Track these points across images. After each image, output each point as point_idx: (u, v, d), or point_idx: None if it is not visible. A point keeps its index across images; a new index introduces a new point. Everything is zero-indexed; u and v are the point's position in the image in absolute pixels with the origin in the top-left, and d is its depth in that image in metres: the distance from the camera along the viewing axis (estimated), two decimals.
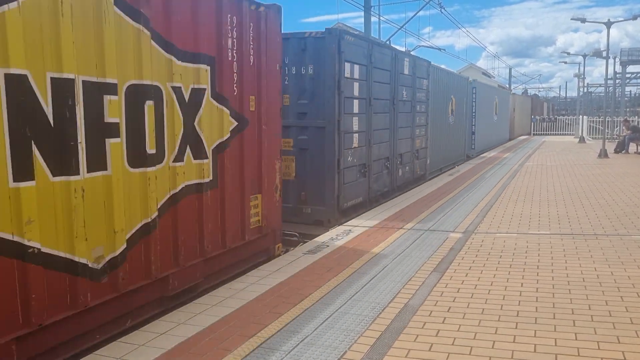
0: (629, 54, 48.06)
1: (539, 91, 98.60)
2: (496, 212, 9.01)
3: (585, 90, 57.67)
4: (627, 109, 59.10)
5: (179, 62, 5.02)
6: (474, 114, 21.89)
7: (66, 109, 3.90)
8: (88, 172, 4.11)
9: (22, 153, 3.61)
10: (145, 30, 4.57)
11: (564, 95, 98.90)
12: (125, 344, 4.04)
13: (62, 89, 3.85)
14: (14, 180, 3.56)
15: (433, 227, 7.87)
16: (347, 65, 8.94)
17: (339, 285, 5.26)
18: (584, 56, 41.70)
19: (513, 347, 3.84)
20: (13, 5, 3.51)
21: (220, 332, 4.19)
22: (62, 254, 3.94)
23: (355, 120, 9.47)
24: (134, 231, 4.60)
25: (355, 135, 9.48)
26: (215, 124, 5.60)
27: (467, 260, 6.10)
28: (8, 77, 3.48)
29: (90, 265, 4.16)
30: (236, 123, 5.96)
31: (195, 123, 5.30)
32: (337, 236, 7.38)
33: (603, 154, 19.34)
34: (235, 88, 5.91)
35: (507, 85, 61.68)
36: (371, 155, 10.23)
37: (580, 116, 35.47)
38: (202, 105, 5.37)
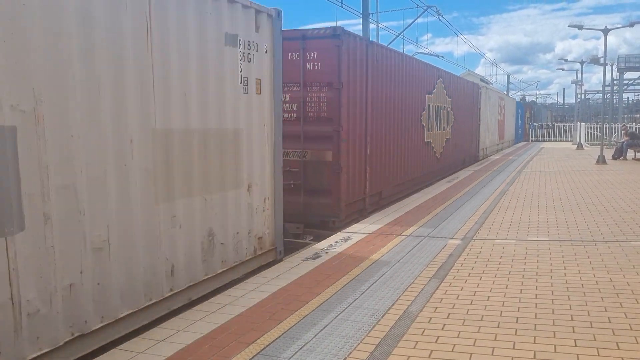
0: (626, 60, 48.27)
1: (537, 98, 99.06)
2: (495, 218, 9.02)
3: (583, 96, 57.88)
4: (625, 116, 59.30)
5: None
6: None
7: None
8: None
9: None
10: None
11: (562, 102, 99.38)
12: (124, 351, 4.03)
13: None
14: None
15: (432, 234, 7.87)
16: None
17: (339, 292, 5.26)
18: (582, 63, 41.87)
19: (513, 354, 3.84)
20: None
21: (219, 339, 4.18)
22: None
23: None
24: None
25: None
26: None
27: (466, 267, 6.10)
28: None
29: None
30: None
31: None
32: (336, 242, 7.38)
33: (601, 160, 19.39)
34: None
35: (505, 92, 61.85)
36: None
37: (578, 123, 35.59)
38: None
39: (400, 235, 7.81)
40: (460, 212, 9.58)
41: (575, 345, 3.94)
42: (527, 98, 75.76)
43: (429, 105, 14.33)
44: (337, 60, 8.93)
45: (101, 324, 4.23)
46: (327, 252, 6.83)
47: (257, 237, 6.39)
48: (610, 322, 4.38)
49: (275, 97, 6.66)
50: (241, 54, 5.90)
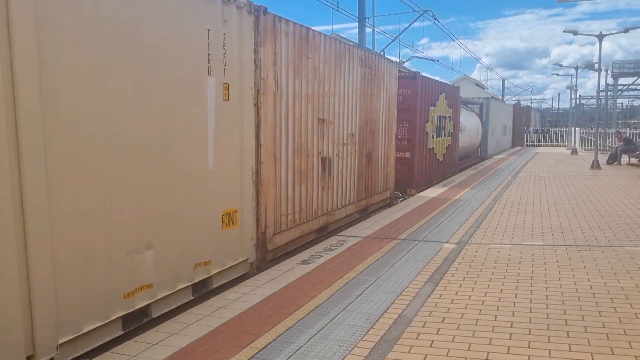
0: (621, 66, 48.43)
1: (532, 102, 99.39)
2: (490, 222, 9.03)
3: (578, 102, 58.14)
4: (619, 121, 59.59)
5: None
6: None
7: None
8: None
9: None
10: None
11: (557, 107, 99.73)
12: (117, 354, 4.00)
13: None
14: None
15: (427, 238, 7.87)
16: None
17: (333, 296, 5.25)
18: (577, 68, 42.07)
19: (507, 359, 3.83)
20: None
21: (213, 343, 4.16)
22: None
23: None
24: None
25: None
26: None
27: (461, 271, 6.10)
28: None
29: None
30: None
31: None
32: (331, 246, 7.37)
33: (595, 165, 19.47)
34: None
35: (500, 97, 62.08)
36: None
37: (573, 128, 35.73)
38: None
39: (395, 239, 7.81)
40: (457, 216, 9.59)
41: (570, 350, 3.94)
42: (522, 103, 75.99)
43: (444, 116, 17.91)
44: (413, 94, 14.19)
45: None
46: (321, 256, 6.81)
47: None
48: (604, 326, 4.39)
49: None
50: None
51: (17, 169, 3.64)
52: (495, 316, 4.67)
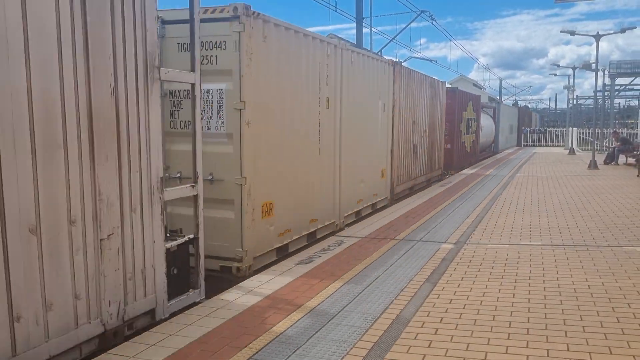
0: (618, 66, 48.49)
1: (529, 103, 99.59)
2: (488, 222, 9.04)
3: (575, 102, 58.20)
4: (616, 121, 59.68)
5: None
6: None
7: None
8: None
9: None
10: None
11: (554, 107, 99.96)
12: (114, 355, 3.99)
13: None
14: None
15: (425, 238, 7.88)
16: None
17: (331, 296, 5.24)
18: (574, 69, 42.09)
19: (505, 359, 3.83)
20: None
21: (211, 344, 4.15)
22: None
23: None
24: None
25: None
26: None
27: (459, 271, 6.10)
28: None
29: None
30: None
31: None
32: (329, 247, 7.37)
33: (593, 165, 19.50)
34: None
35: (497, 97, 62.13)
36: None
37: (570, 128, 35.79)
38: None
39: (393, 239, 7.81)
40: (455, 215, 9.60)
41: (568, 350, 3.95)
42: (519, 103, 76.12)
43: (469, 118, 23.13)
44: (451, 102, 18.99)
45: None
46: (320, 256, 6.81)
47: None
48: (602, 326, 4.39)
49: None
50: None
51: (339, 149, 9.41)
52: (494, 316, 4.67)
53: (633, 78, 50.56)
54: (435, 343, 4.12)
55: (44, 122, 3.60)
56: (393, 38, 26.34)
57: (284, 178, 7.50)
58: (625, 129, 42.01)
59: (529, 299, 5.09)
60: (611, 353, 3.88)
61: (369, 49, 22.88)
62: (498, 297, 5.17)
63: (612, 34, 24.70)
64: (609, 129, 34.66)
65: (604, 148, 28.41)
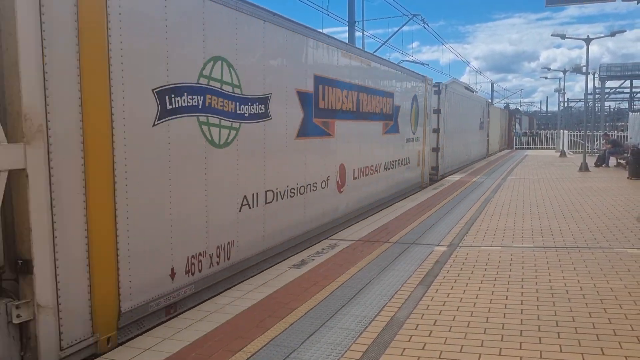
0: (608, 69, 49.00)
1: (520, 106, 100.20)
2: (480, 225, 9.08)
3: (566, 105, 58.63)
4: (607, 124, 60.18)
5: None
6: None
7: None
8: None
9: None
10: None
11: (545, 110, 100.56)
12: (108, 359, 3.98)
13: None
14: None
15: (418, 241, 7.90)
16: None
17: (325, 299, 5.25)
18: (565, 72, 42.46)
19: None
20: None
21: (206, 347, 4.15)
22: None
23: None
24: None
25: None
26: None
27: (453, 274, 6.13)
28: None
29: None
30: None
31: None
32: (322, 250, 7.37)
33: (584, 167, 19.63)
34: None
35: (490, 100, 62.49)
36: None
37: (561, 130, 36.05)
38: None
39: (386, 242, 7.83)
40: (448, 218, 9.64)
41: (561, 351, 3.98)
42: (510, 106, 76.56)
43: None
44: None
45: None
46: (313, 260, 6.82)
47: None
48: (594, 327, 4.43)
49: None
50: None
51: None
52: (487, 318, 4.70)
53: (623, 81, 51.04)
54: (429, 345, 4.14)
55: None
56: (385, 42, 26.46)
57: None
58: (616, 131, 42.33)
59: (521, 301, 5.13)
60: (603, 354, 3.91)
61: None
62: (491, 299, 5.20)
63: (602, 37, 24.95)
64: (600, 132, 34.94)
65: (595, 150, 28.63)
